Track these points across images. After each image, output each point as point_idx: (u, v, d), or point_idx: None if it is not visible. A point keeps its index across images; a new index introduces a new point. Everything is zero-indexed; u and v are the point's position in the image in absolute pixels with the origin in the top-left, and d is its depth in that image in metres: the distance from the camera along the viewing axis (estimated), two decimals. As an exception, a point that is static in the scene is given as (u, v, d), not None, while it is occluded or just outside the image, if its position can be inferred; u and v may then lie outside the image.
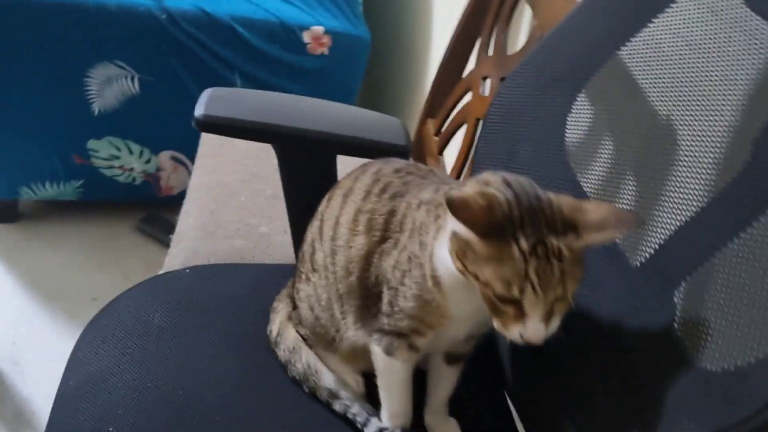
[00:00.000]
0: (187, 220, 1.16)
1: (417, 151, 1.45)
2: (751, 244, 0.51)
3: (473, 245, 0.52)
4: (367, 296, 0.68)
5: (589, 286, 0.59)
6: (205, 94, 0.82)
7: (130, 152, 1.73)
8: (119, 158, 1.74)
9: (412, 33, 1.94)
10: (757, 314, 0.48)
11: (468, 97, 1.23)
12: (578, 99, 0.78)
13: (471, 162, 1.14)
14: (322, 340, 0.76)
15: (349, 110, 0.91)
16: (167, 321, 0.85)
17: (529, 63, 0.92)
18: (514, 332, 0.52)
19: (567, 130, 0.77)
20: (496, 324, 0.53)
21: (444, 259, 0.58)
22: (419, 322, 0.64)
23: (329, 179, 0.91)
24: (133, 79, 1.59)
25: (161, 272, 0.99)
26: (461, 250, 0.53)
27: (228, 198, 1.20)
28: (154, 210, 1.95)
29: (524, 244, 0.51)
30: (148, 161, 1.78)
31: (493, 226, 0.51)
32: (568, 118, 0.77)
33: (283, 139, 0.84)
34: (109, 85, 1.59)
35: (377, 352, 0.68)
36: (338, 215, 0.72)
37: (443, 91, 1.37)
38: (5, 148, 1.67)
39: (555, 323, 0.53)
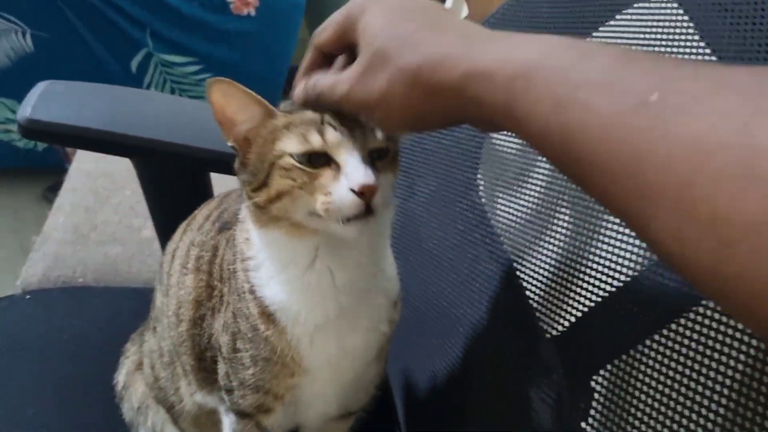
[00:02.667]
0: (57, 218, 0.99)
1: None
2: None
3: (261, 130, 0.43)
4: (202, 358, 0.55)
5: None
6: (36, 90, 0.65)
7: (28, 116, 1.53)
8: (15, 121, 1.54)
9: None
10: None
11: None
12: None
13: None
14: (163, 404, 0.63)
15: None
16: (-10, 364, 0.71)
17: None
18: (340, 190, 0.40)
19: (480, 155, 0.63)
20: (319, 205, 0.41)
21: (269, 273, 0.46)
22: (264, 393, 0.50)
23: (202, 197, 0.75)
24: (24, 34, 1.38)
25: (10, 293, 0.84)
26: (257, 156, 0.43)
27: (110, 193, 1.03)
28: (63, 178, 1.76)
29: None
30: (49, 126, 1.58)
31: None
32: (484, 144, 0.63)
33: (138, 153, 0.68)
34: (-4, 40, 1.38)
35: (227, 426, 0.55)
36: (175, 248, 0.58)
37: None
38: None
39: (385, 178, 0.43)
